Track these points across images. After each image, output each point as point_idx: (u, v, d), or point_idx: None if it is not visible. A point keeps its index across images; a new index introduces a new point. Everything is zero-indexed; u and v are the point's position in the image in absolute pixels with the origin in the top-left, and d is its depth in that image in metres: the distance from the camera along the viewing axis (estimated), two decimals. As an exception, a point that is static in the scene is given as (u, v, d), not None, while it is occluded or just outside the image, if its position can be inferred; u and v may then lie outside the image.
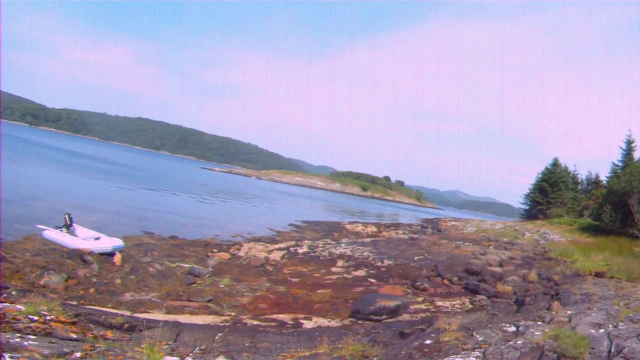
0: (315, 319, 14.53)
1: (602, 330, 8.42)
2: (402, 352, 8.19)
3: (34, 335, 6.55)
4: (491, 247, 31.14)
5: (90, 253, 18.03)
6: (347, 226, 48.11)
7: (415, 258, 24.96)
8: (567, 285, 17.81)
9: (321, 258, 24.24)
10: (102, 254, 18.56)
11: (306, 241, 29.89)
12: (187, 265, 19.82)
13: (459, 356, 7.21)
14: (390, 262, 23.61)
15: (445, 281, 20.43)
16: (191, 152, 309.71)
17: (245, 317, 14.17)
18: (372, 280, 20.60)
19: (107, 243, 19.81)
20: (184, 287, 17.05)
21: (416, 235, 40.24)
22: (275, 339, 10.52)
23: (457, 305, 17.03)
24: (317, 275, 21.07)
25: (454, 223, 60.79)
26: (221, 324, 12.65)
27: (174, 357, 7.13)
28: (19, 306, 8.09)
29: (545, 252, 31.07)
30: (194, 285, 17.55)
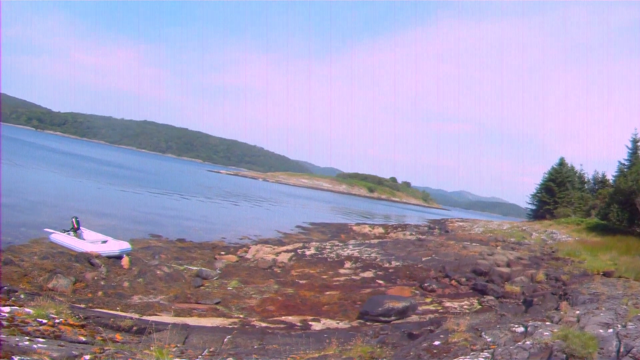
0: (323, 320, 14.50)
1: (610, 330, 8.37)
2: (411, 353, 8.15)
3: (43, 338, 6.54)
4: (499, 248, 31.03)
5: (98, 256, 18.09)
6: (355, 228, 48.07)
7: (423, 259, 24.87)
8: (575, 285, 17.73)
9: (329, 260, 24.19)
10: (109, 257, 18.61)
11: (313, 243, 29.84)
12: (195, 268, 19.80)
13: (468, 357, 7.17)
14: (398, 264, 23.54)
15: (453, 282, 20.36)
16: (197, 154, 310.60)
17: (254, 319, 14.15)
18: (380, 282, 20.55)
19: (115, 246, 19.85)
20: (192, 289, 17.05)
21: (423, 236, 40.16)
22: (284, 340, 10.49)
23: (465, 306, 16.97)
24: (324, 277, 21.04)
25: (461, 224, 60.69)
26: (230, 326, 12.63)
27: (183, 360, 7.12)
28: (27, 309, 8.09)
29: (553, 252, 30.97)
30: (202, 287, 17.54)
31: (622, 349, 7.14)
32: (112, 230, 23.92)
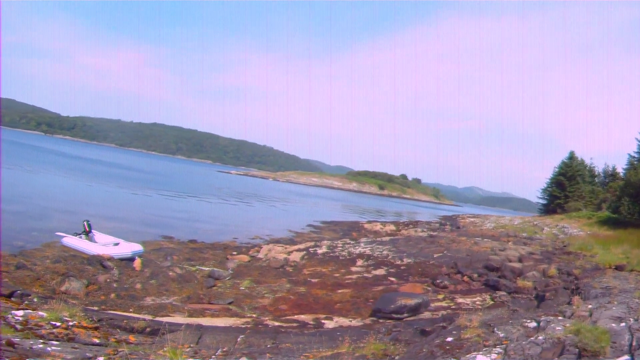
0: (336, 318, 14.48)
1: (623, 324, 8.30)
2: (424, 350, 8.13)
3: (56, 341, 6.57)
4: (510, 243, 30.90)
5: (110, 259, 18.16)
6: (366, 225, 48.05)
7: (435, 256, 24.83)
8: (587, 279, 17.60)
9: (340, 258, 24.19)
10: (122, 260, 18.69)
11: (325, 241, 29.85)
12: (207, 269, 19.85)
13: (481, 353, 7.13)
14: (409, 261, 23.50)
15: (465, 278, 20.28)
16: (207, 155, 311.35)
17: (267, 318, 14.16)
18: (392, 279, 20.51)
19: (127, 248, 19.93)
20: (204, 290, 17.08)
21: (435, 233, 40.11)
22: (297, 339, 10.48)
23: (477, 302, 16.89)
24: (337, 275, 21.03)
25: (472, 219, 60.59)
26: (243, 326, 12.64)
27: (197, 360, 7.13)
28: (41, 313, 8.13)
29: (565, 246, 30.81)
30: (214, 288, 17.57)
31: (634, 343, 7.08)
32: (123, 233, 23.99)
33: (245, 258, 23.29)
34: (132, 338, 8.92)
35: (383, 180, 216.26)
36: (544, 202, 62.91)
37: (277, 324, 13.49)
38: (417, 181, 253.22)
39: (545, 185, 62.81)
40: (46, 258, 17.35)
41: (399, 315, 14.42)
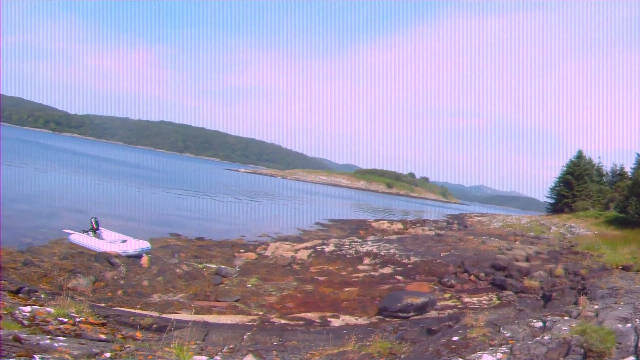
0: (342, 317, 14.48)
1: (629, 325, 8.26)
2: (430, 349, 8.12)
3: (63, 336, 6.59)
4: (517, 242, 30.85)
5: (118, 256, 18.23)
6: (373, 224, 48.02)
7: (442, 254, 24.79)
8: (594, 279, 17.53)
9: (348, 256, 24.19)
10: (129, 257, 18.75)
11: (332, 240, 29.87)
12: (214, 266, 19.89)
13: (486, 352, 7.12)
14: (416, 259, 23.47)
15: (472, 277, 20.25)
16: (215, 153, 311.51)
17: (273, 316, 14.17)
18: (399, 278, 20.50)
19: (134, 245, 20.00)
20: (211, 287, 17.11)
21: (442, 232, 40.08)
22: (303, 337, 10.49)
23: (484, 301, 16.87)
24: (343, 273, 21.03)
25: (479, 218, 60.52)
26: (249, 323, 12.65)
27: (203, 357, 7.13)
28: (48, 309, 8.17)
29: (572, 246, 30.76)
30: (221, 285, 17.59)
31: None
32: (131, 230, 24.10)
33: (252, 256, 23.31)
34: (138, 334, 8.95)
35: (391, 179, 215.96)
36: (552, 201, 62.73)
37: (283, 321, 13.49)
38: (425, 179, 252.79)
39: (553, 184, 62.65)
40: (54, 255, 17.46)
41: (405, 314, 14.40)
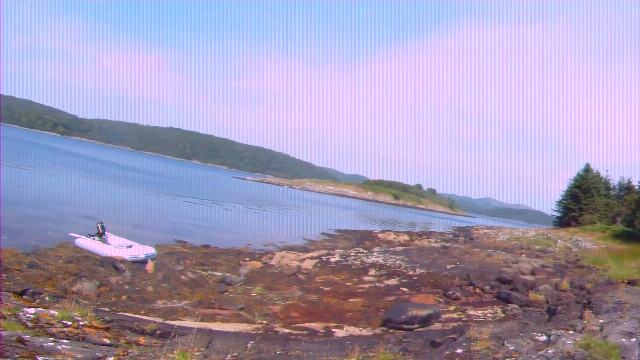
0: (346, 327, 14.44)
1: (633, 339, 8.25)
2: (434, 361, 8.09)
3: (67, 339, 6.59)
4: (523, 256, 30.76)
5: (123, 261, 18.23)
6: (379, 235, 47.92)
7: (448, 267, 24.71)
8: (599, 293, 17.42)
9: (353, 267, 24.14)
10: (134, 262, 18.76)
11: (338, 250, 29.82)
12: (220, 274, 19.88)
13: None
14: (422, 271, 23.40)
15: (477, 290, 20.17)
16: (223, 161, 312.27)
17: (277, 325, 14.13)
18: (404, 289, 20.43)
19: (140, 251, 20.03)
20: (216, 295, 17.09)
21: (448, 244, 39.94)
22: (307, 347, 10.46)
23: (488, 314, 16.79)
24: (349, 284, 20.98)
25: (486, 231, 60.29)
26: (253, 332, 12.63)
27: (206, 364, 7.12)
28: (52, 311, 8.17)
29: (578, 259, 30.66)
30: (226, 293, 17.57)
31: (643, 358, 7.04)
32: (137, 236, 24.14)
33: (257, 264, 23.28)
34: (142, 340, 8.94)
35: (398, 190, 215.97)
36: (559, 214, 62.60)
37: (287, 331, 13.46)
38: (432, 191, 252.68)
39: (560, 198, 62.54)
40: (59, 258, 17.50)
41: (409, 326, 14.35)
